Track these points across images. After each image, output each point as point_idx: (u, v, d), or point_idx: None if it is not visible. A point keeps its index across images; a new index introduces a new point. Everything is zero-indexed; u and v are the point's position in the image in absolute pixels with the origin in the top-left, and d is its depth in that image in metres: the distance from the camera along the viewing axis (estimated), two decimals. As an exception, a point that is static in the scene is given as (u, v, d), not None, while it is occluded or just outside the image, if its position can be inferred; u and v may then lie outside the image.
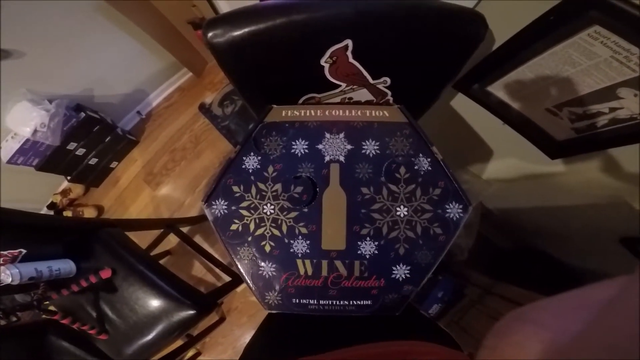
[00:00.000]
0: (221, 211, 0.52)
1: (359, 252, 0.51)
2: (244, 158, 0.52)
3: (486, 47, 0.62)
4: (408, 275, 0.50)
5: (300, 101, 0.60)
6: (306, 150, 0.51)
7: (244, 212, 0.52)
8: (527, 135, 0.77)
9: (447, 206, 0.51)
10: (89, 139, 1.48)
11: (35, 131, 1.34)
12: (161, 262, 1.37)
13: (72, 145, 1.44)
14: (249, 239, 0.52)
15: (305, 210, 0.51)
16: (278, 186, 0.51)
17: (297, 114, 0.53)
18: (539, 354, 0.14)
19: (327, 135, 0.51)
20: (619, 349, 0.11)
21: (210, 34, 0.48)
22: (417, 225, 0.51)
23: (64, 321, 0.81)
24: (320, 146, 0.51)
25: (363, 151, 0.51)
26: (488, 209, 1.11)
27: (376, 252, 0.51)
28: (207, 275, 1.39)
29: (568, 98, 0.63)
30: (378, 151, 0.51)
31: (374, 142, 0.51)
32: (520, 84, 0.67)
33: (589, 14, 0.48)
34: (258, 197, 0.51)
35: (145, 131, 1.68)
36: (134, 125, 1.70)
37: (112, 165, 1.62)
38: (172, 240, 1.31)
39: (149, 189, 1.56)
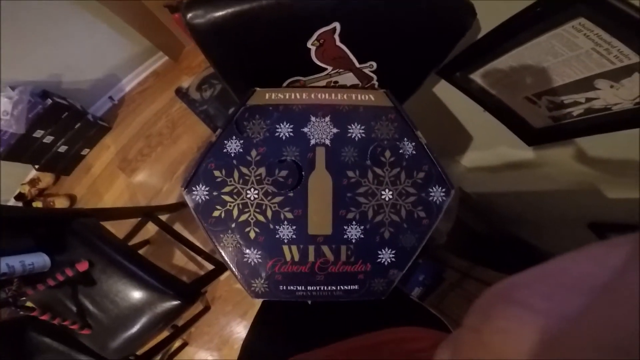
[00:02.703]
0: (202, 197, 0.51)
1: (345, 236, 0.51)
2: (226, 142, 0.50)
3: (471, 35, 0.62)
4: (393, 259, 0.51)
5: (285, 84, 0.58)
6: (291, 134, 0.50)
7: (227, 198, 0.50)
8: (507, 122, 0.79)
9: (431, 190, 0.52)
10: (57, 126, 1.40)
11: None
12: (140, 252, 1.32)
13: (38, 133, 1.37)
14: (233, 225, 0.51)
15: (291, 194, 0.50)
16: (262, 170, 0.49)
17: (282, 97, 0.52)
18: (529, 342, 0.13)
19: (313, 118, 0.50)
20: (620, 341, 0.10)
21: (190, 15, 0.46)
22: (402, 208, 0.51)
23: (43, 317, 0.78)
24: (305, 129, 0.50)
25: (349, 135, 0.50)
26: (467, 193, 1.14)
27: (362, 236, 0.51)
28: (189, 264, 1.37)
29: (547, 87, 0.65)
30: (363, 135, 0.50)
31: (359, 125, 0.50)
32: (502, 73, 0.68)
33: (575, 7, 0.49)
34: (241, 181, 0.50)
35: (118, 117, 1.61)
36: (106, 111, 1.62)
37: (83, 153, 1.54)
38: (150, 229, 1.27)
39: (124, 176, 1.50)
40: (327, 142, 0.50)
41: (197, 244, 1.17)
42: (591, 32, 0.50)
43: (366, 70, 0.55)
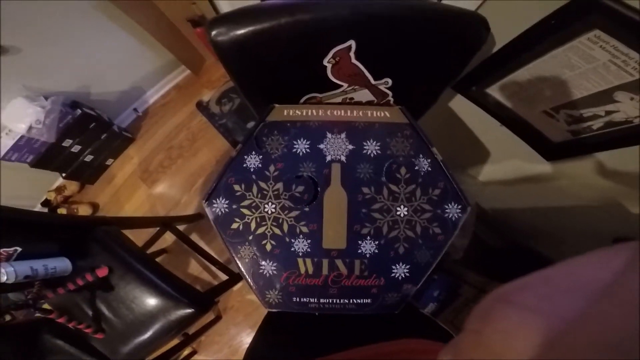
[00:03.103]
0: (222, 210, 0.52)
1: (359, 251, 0.51)
2: (245, 157, 0.52)
3: (486, 49, 0.62)
4: (407, 275, 0.51)
5: (302, 101, 0.60)
6: (308, 150, 0.51)
7: (245, 211, 0.52)
8: (524, 136, 0.78)
9: (446, 206, 0.52)
10: (85, 136, 1.46)
11: (30, 128, 1.32)
12: (157, 260, 1.35)
13: (67, 142, 1.43)
14: (250, 237, 0.52)
15: (307, 209, 0.51)
16: (279, 185, 0.51)
17: (299, 113, 0.53)
18: (530, 343, 0.13)
19: (329, 135, 0.52)
20: (620, 342, 0.10)
21: (214, 32, 0.48)
22: (417, 225, 0.51)
23: (59, 320, 0.80)
24: (321, 146, 0.51)
25: (364, 151, 0.51)
26: (483, 209, 1.12)
27: (376, 251, 0.51)
28: (203, 274, 1.39)
29: (565, 101, 0.64)
30: (379, 151, 0.51)
31: (375, 142, 0.51)
32: (518, 86, 0.68)
33: (590, 18, 0.48)
34: (259, 196, 0.51)
35: (141, 128, 1.67)
36: (131, 122, 1.69)
37: (107, 163, 1.60)
38: (168, 238, 1.30)
39: (145, 187, 1.54)
40: (343, 158, 0.51)
41: (213, 254, 1.19)
42: (607, 44, 0.50)
43: (381, 87, 0.56)
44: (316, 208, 0.51)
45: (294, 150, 0.51)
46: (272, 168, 0.51)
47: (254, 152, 0.52)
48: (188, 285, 0.92)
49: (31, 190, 1.55)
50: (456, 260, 1.05)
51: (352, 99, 0.58)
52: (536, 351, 0.12)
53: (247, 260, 0.52)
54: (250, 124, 1.34)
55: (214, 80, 1.68)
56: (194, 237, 1.36)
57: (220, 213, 0.52)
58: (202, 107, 1.51)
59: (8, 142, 1.33)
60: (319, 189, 0.50)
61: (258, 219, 0.52)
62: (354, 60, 0.50)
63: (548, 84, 0.63)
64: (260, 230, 0.52)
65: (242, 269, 0.53)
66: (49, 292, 0.79)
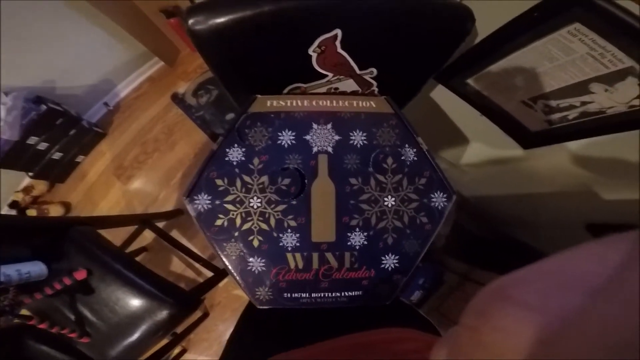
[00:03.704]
0: (204, 206, 0.50)
1: (349, 243, 0.51)
2: (227, 150, 0.50)
3: (468, 39, 0.62)
4: (397, 265, 0.51)
5: (285, 91, 0.58)
6: (293, 142, 0.50)
7: (229, 207, 0.50)
8: (503, 126, 0.80)
9: (433, 195, 0.52)
10: (52, 133, 1.38)
11: None
12: (137, 259, 1.30)
13: (32, 140, 1.34)
14: (236, 234, 0.50)
15: (294, 202, 0.49)
16: (264, 178, 0.49)
17: (283, 104, 0.52)
18: (527, 341, 0.12)
19: (315, 125, 0.50)
20: (618, 341, 0.10)
21: (191, 21, 0.45)
22: (404, 214, 0.52)
23: (41, 326, 0.77)
24: (307, 137, 0.50)
25: (351, 142, 0.50)
26: (463, 196, 1.14)
27: (365, 242, 0.51)
28: (187, 271, 1.35)
29: (543, 91, 0.65)
30: (365, 142, 0.50)
31: (361, 132, 0.50)
32: (498, 77, 0.69)
33: (571, 12, 0.49)
34: (243, 190, 0.49)
35: (113, 123, 1.58)
36: (101, 117, 1.60)
37: (77, 160, 1.51)
38: (147, 236, 1.25)
39: (120, 183, 1.47)
40: (330, 149, 0.50)
41: (195, 250, 1.16)
42: (586, 37, 0.51)
43: (366, 77, 0.55)
44: (304, 201, 0.49)
45: (279, 142, 0.50)
46: (256, 161, 0.49)
47: (236, 145, 0.50)
48: (172, 285, 0.89)
49: (-4, 191, 1.45)
50: (438, 247, 1.07)
51: (337, 89, 0.57)
52: (535, 349, 0.12)
53: (234, 257, 0.51)
54: (229, 116, 1.30)
55: (189, 72, 1.62)
56: (175, 234, 1.32)
57: (202, 209, 0.50)
58: (177, 99, 1.45)
59: (-34, 141, 1.23)
60: (306, 181, 0.49)
61: (243, 215, 0.50)
62: (339, 50, 0.49)
63: (527, 75, 0.64)
64: (246, 226, 0.50)
65: (230, 267, 0.51)
66: (25, 297, 0.75)
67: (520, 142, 0.80)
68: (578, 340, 0.11)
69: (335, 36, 0.47)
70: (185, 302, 0.87)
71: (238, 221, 0.50)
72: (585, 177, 0.74)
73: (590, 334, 0.11)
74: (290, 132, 0.50)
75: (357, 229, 0.51)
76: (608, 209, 0.75)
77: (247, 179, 0.49)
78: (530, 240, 1.11)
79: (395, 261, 0.51)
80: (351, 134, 0.50)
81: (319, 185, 0.49)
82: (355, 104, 0.51)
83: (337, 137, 0.50)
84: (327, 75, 0.54)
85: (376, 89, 0.57)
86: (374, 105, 0.51)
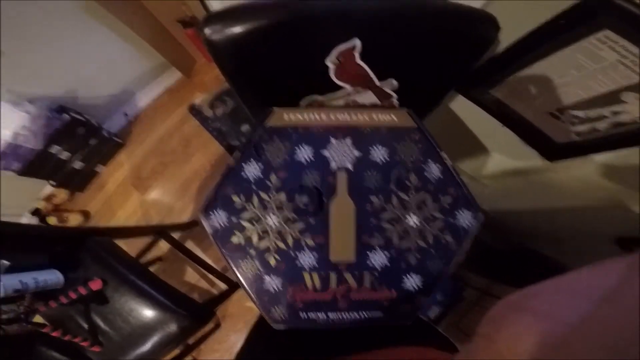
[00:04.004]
0: (220, 223, 0.48)
1: (369, 263, 0.48)
2: (244, 165, 0.48)
3: (491, 48, 0.59)
4: (420, 285, 0.48)
5: (302, 103, 0.56)
6: (311, 158, 0.47)
7: (246, 224, 0.48)
8: (526, 137, 0.75)
9: (458, 214, 0.49)
10: (73, 142, 1.40)
11: (16, 134, 1.26)
12: (152, 268, 1.30)
13: (55, 149, 1.36)
14: (252, 252, 0.48)
15: (312, 221, 0.47)
16: (282, 196, 0.47)
17: (300, 117, 0.49)
18: (536, 345, 0.13)
19: (333, 140, 0.48)
20: (618, 343, 0.10)
21: (208, 30, 0.44)
22: (428, 234, 0.49)
23: (54, 333, 0.76)
24: (325, 152, 0.47)
25: (371, 158, 0.47)
26: (483, 210, 1.09)
27: (387, 262, 0.48)
28: (201, 282, 1.34)
29: (571, 101, 0.62)
30: (387, 158, 0.47)
31: (382, 148, 0.47)
32: (523, 87, 0.65)
33: (600, 18, 0.46)
34: (260, 207, 0.47)
35: (132, 133, 1.60)
36: (121, 127, 1.62)
37: (97, 169, 1.53)
38: (162, 246, 1.25)
39: (138, 194, 1.48)
40: (349, 165, 0.47)
41: (210, 262, 1.14)
42: (616, 44, 0.48)
43: (386, 88, 0.52)
44: (322, 219, 0.47)
45: (296, 157, 0.47)
46: (273, 177, 0.47)
47: (253, 160, 0.47)
48: (185, 297, 0.88)
49: (19, 198, 1.48)
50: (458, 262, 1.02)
51: (354, 101, 0.55)
52: (544, 353, 0.13)
53: (249, 275, 0.49)
54: (245, 127, 1.29)
55: (206, 82, 1.63)
56: (190, 245, 1.31)
57: (218, 226, 0.48)
58: (194, 110, 1.45)
59: (-7, 150, 1.25)
60: (324, 199, 0.46)
61: (260, 232, 0.48)
62: (358, 60, 0.47)
63: (554, 84, 0.61)
64: (263, 244, 0.48)
65: (245, 285, 0.49)
66: (40, 305, 0.75)
67: (544, 155, 0.76)
68: (583, 343, 0.12)
69: (354, 46, 0.45)
70: (197, 315, 0.86)
71: (254, 239, 0.48)
72: (614, 189, 0.69)
73: (593, 339, 0.11)
74: (307, 147, 0.48)
75: (378, 249, 0.48)
76: (637, 222, 0.70)
77: (264, 196, 0.47)
78: (554, 253, 1.05)
79: (417, 281, 0.48)
80: (371, 149, 0.47)
81: (337, 204, 0.46)
82: (375, 118, 0.48)
83: (356, 153, 0.47)
84: (345, 87, 0.52)
85: (396, 101, 0.54)
86: (395, 119, 0.48)
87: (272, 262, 0.48)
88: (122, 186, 1.51)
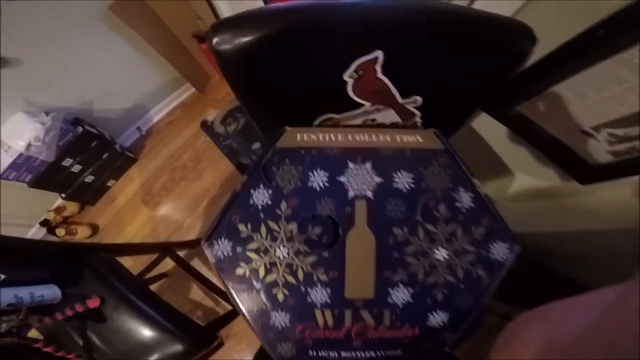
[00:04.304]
0: (225, 252, 0.42)
1: (389, 300, 0.41)
2: (252, 191, 0.42)
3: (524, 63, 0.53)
4: (446, 322, 0.42)
5: (317, 122, 0.50)
6: (326, 184, 0.41)
7: (252, 255, 0.42)
8: (556, 158, 0.68)
9: (492, 246, 0.43)
10: (86, 155, 1.37)
11: (29, 145, 1.23)
12: (157, 284, 1.25)
13: (67, 162, 1.34)
14: (258, 285, 0.42)
15: (326, 254, 0.41)
16: (293, 226, 0.41)
17: (315, 138, 0.44)
18: (545, 350, 0.14)
19: (351, 165, 0.42)
20: (618, 349, 0.11)
21: (216, 39, 0.39)
22: (458, 268, 0.42)
23: (46, 349, 0.72)
24: (342, 178, 0.41)
25: (394, 185, 0.41)
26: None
27: (410, 299, 0.42)
28: (206, 300, 1.27)
29: (609, 118, 0.55)
30: (412, 185, 0.41)
31: (406, 173, 0.41)
32: (554, 103, 0.58)
33: None
34: (269, 238, 0.41)
35: (144, 148, 1.57)
36: (133, 141, 1.60)
37: (109, 184, 1.50)
38: (169, 262, 1.19)
39: (147, 209, 1.44)
40: (369, 194, 0.41)
41: (214, 281, 1.08)
42: (662, 56, 0.41)
43: (409, 106, 0.46)
44: (337, 253, 0.40)
45: (310, 184, 0.41)
46: (283, 205, 0.41)
47: (262, 186, 0.42)
48: (187, 319, 0.82)
49: (30, 209, 1.46)
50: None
51: (374, 120, 0.49)
52: (550, 357, 0.14)
53: (254, 310, 0.43)
54: (256, 145, 1.25)
55: (219, 99, 1.60)
56: (196, 262, 1.25)
57: (222, 256, 0.43)
58: (206, 126, 1.42)
59: (6, 160, 1.23)
60: (340, 230, 0.40)
61: (268, 265, 0.42)
62: (379, 75, 0.41)
63: (591, 100, 0.54)
64: (270, 278, 0.42)
65: (249, 320, 0.43)
66: (35, 320, 0.71)
67: (576, 177, 0.68)
68: (586, 350, 0.13)
69: (376, 59, 0.39)
70: (199, 338, 0.80)
71: (261, 272, 0.42)
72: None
73: (597, 344, 0.12)
74: (322, 172, 0.42)
75: (401, 285, 0.41)
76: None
77: (273, 225, 0.41)
78: (577, 275, 0.96)
79: (444, 318, 0.42)
80: (394, 175, 0.41)
81: (355, 236, 0.40)
82: (398, 139, 0.42)
83: (377, 179, 0.41)
84: (363, 105, 0.46)
85: (419, 120, 0.48)
86: (420, 140, 0.42)
87: (280, 297, 0.42)
88: (131, 201, 1.47)
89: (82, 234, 1.42)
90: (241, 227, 0.41)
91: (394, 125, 0.49)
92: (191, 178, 1.44)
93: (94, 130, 1.38)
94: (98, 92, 1.42)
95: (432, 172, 0.41)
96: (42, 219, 1.48)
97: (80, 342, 0.78)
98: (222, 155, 1.07)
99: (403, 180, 0.41)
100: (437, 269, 0.42)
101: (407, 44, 0.39)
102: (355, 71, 0.41)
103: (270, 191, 0.41)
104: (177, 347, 0.76)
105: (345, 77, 0.42)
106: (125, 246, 0.95)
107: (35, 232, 1.51)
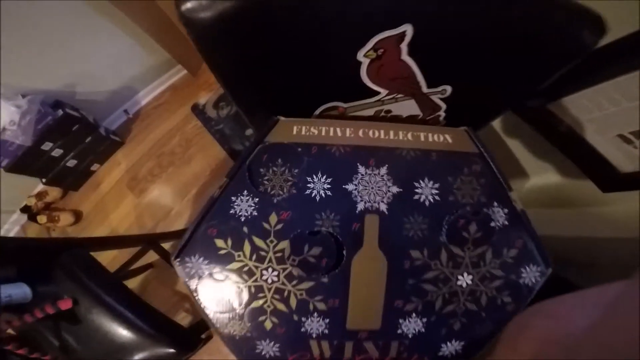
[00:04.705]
0: (199, 272, 0.33)
1: (399, 331, 0.33)
2: (234, 198, 0.32)
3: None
4: (459, 351, 0.35)
5: (318, 112, 0.40)
6: (328, 192, 0.32)
7: (234, 277, 0.33)
8: (581, 163, 0.60)
9: (523, 270, 0.35)
10: (67, 139, 1.25)
11: (4, 129, 1.13)
12: (143, 275, 1.16)
13: (47, 146, 1.22)
14: (241, 311, 0.33)
15: (325, 280, 0.32)
16: (284, 244, 0.31)
17: (315, 132, 0.34)
18: (545, 343, 0.14)
19: (361, 169, 0.32)
20: (618, 348, 0.11)
21: (189, 5, 0.29)
22: (482, 295, 0.34)
23: (19, 351, 0.64)
24: (349, 186, 0.32)
25: (415, 197, 0.31)
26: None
27: (422, 329, 0.34)
28: (194, 293, 1.19)
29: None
30: (437, 197, 0.31)
31: (431, 183, 0.32)
32: (594, 104, 0.49)
33: None
34: (254, 258, 0.32)
35: (131, 132, 1.45)
36: (120, 125, 1.47)
37: (93, 168, 1.38)
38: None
39: (132, 196, 1.33)
40: (383, 207, 0.31)
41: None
42: None
43: (435, 97, 0.36)
44: (340, 278, 0.31)
45: (308, 192, 0.32)
46: (273, 218, 0.31)
47: (246, 192, 0.32)
48: (170, 322, 0.74)
49: (10, 194, 1.34)
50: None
51: (389, 112, 0.39)
52: (557, 354, 0.13)
53: (237, 337, 0.34)
54: (249, 131, 1.14)
55: (212, 82, 1.47)
56: (184, 254, 1.16)
57: (197, 276, 0.33)
58: (197, 110, 1.30)
59: (-19, 145, 1.12)
60: (344, 252, 0.31)
61: (252, 289, 0.33)
62: (404, 56, 0.31)
63: (636, 102, 0.45)
64: (256, 304, 0.33)
65: (231, 348, 0.35)
66: (3, 322, 0.62)
67: (600, 184, 0.60)
68: (591, 346, 0.12)
69: (402, 35, 0.29)
70: (182, 342, 0.72)
71: (245, 296, 0.33)
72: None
73: (598, 340, 0.12)
74: (324, 177, 0.32)
75: (414, 315, 0.33)
76: None
77: (259, 243, 0.31)
78: (588, 283, 0.90)
79: (458, 347, 0.35)
80: (416, 184, 0.32)
81: (363, 259, 0.31)
82: (422, 138, 0.32)
83: (394, 189, 0.32)
84: (378, 93, 0.35)
85: (443, 115, 0.38)
86: (449, 141, 0.32)
87: (268, 325, 0.33)
88: (117, 187, 1.35)
89: (64, 221, 1.31)
90: (219, 242, 0.32)
91: (410, 120, 0.39)
92: (180, 164, 1.32)
93: (76, 114, 1.27)
94: (82, 75, 1.30)
95: (462, 182, 0.32)
96: (23, 205, 1.37)
97: (56, 343, 0.70)
98: (213, 140, 0.96)
99: (426, 191, 0.31)
100: (457, 297, 0.34)
101: (445, 18, 0.28)
102: (374, 49, 0.30)
103: (256, 199, 0.31)
104: (159, 351, 0.68)
105: (360, 56, 0.31)
106: (103, 240, 0.85)
107: (16, 219, 1.40)
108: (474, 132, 0.33)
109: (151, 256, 1.13)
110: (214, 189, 0.33)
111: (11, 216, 1.39)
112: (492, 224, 0.31)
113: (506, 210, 0.32)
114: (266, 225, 0.31)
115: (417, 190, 0.31)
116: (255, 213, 0.31)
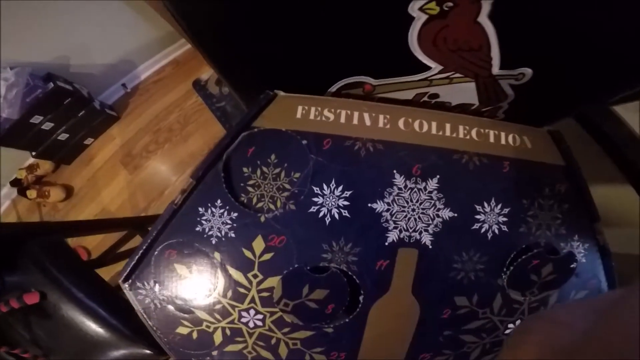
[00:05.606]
0: (156, 302, 0.22)
1: None
2: (202, 210, 0.20)
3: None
4: None
5: (334, 89, 0.26)
6: (345, 212, 0.20)
7: (202, 315, 0.22)
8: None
9: None
10: (58, 113, 1.14)
11: None
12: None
13: (37, 119, 1.12)
14: (214, 352, 0.23)
15: (329, 330, 0.21)
16: (274, 282, 0.20)
17: (331, 116, 0.22)
18: (546, 349, 0.13)
19: (399, 180, 0.20)
20: (618, 350, 0.10)
21: None
22: None
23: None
24: (379, 206, 0.20)
25: (476, 226, 0.20)
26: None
27: None
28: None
29: None
30: (504, 228, 0.20)
31: (499, 206, 0.20)
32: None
33: None
34: (230, 295, 0.21)
35: (129, 106, 1.31)
36: (117, 99, 1.33)
37: (86, 142, 1.25)
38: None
39: (126, 172, 1.21)
40: (427, 239, 0.19)
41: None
42: None
43: (505, 83, 0.24)
44: (350, 330, 0.21)
45: (314, 208, 0.20)
46: (259, 244, 0.20)
47: (219, 203, 0.20)
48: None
49: (2, 168, 1.23)
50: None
51: (435, 96, 0.26)
52: (554, 357, 0.13)
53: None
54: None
55: (215, 59, 1.32)
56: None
57: (153, 306, 0.23)
58: (199, 86, 1.17)
59: (-35, 116, 1.02)
60: (361, 297, 0.20)
61: (228, 331, 0.22)
62: (482, 17, 0.19)
63: None
64: (232, 348, 0.23)
65: None
66: None
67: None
68: (592, 351, 0.12)
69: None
70: (159, 346, 0.62)
71: (217, 337, 0.23)
72: None
73: (598, 345, 0.11)
74: (340, 188, 0.20)
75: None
76: None
77: (237, 276, 0.20)
78: None
79: None
80: (479, 208, 0.20)
81: (386, 306, 0.20)
82: (492, 139, 0.20)
83: (447, 213, 0.20)
84: (429, 68, 0.23)
85: (506, 107, 0.26)
86: (528, 146, 0.21)
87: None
88: (110, 163, 1.23)
89: (55, 197, 1.20)
90: (181, 269, 0.21)
91: (459, 110, 0.27)
92: (176, 141, 1.20)
93: (68, 87, 1.15)
94: (76, 47, 1.17)
95: (540, 207, 0.20)
96: (13, 178, 1.25)
97: (27, 336, 0.61)
98: (213, 118, 0.84)
99: (491, 218, 0.20)
100: (499, 347, 0.23)
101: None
102: (438, 2, 0.18)
103: (234, 214, 0.20)
104: (135, 352, 0.60)
105: (414, 8, 0.19)
106: (85, 224, 0.74)
107: (6, 193, 1.29)
108: (561, 136, 0.21)
109: (138, 240, 1.04)
110: (149, 234, 0.21)
111: (1, 190, 1.27)
112: (573, 265, 0.20)
113: (587, 246, 0.21)
114: (248, 253, 0.20)
115: (478, 217, 0.20)
116: (232, 234, 0.20)
